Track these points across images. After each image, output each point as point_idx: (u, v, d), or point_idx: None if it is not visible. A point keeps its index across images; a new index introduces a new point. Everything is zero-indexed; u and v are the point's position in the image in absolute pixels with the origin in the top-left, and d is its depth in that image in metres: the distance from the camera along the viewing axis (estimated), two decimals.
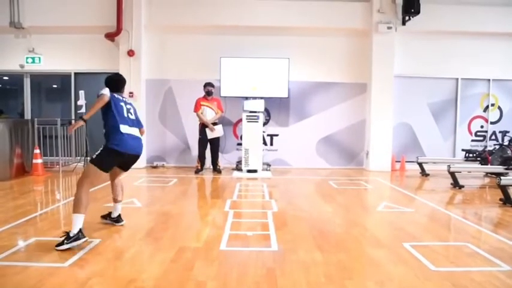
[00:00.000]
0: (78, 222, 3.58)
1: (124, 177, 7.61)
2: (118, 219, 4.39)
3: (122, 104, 4.10)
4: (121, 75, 4.47)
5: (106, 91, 3.95)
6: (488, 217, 5.09)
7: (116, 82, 4.29)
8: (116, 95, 4.08)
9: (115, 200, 4.41)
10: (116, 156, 3.90)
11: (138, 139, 4.15)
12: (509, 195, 5.56)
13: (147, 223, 4.49)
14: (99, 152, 3.88)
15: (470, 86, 9.36)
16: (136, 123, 4.24)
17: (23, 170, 7.73)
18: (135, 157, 4.13)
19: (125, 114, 4.06)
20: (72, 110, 9.25)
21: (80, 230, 3.57)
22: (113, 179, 4.38)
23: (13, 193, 6.13)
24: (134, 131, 4.11)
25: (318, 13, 8.70)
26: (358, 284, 2.91)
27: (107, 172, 3.95)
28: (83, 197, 3.69)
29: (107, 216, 4.46)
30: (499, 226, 4.61)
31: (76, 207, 3.65)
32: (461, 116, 9.41)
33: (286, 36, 8.98)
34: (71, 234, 3.52)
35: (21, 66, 9.16)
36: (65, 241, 3.48)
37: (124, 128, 3.95)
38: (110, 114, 3.93)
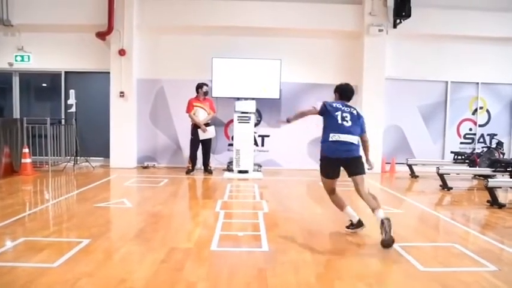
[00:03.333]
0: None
1: (115, 177, 7.62)
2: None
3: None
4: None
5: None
6: (476, 218, 5.16)
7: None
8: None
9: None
10: None
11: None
12: (496, 197, 5.65)
13: (138, 223, 4.47)
14: None
15: (459, 89, 9.48)
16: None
17: (12, 169, 7.63)
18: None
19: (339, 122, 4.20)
20: (62, 109, 9.15)
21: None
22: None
23: (1, 193, 6.05)
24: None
25: (310, 15, 8.74)
26: (347, 284, 2.93)
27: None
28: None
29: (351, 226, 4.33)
30: (487, 227, 4.68)
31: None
32: (451, 118, 9.52)
33: (278, 37, 9.01)
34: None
35: (10, 64, 9.04)
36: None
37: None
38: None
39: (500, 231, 4.47)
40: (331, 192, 4.45)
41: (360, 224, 4.28)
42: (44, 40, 9.02)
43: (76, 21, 8.69)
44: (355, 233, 4.25)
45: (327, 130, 4.30)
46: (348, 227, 4.33)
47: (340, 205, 4.45)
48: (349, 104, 4.44)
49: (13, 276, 2.90)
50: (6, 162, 7.49)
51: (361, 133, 4.42)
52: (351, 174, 4.27)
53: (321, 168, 4.37)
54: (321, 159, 4.38)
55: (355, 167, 4.26)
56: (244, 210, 5.30)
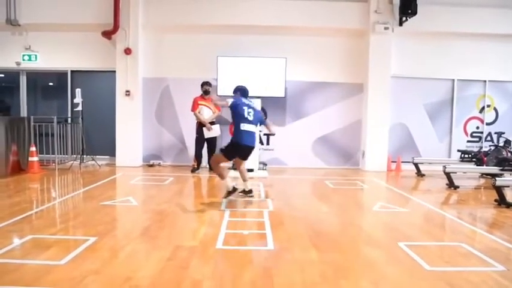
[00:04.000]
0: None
1: (120, 175, 7.66)
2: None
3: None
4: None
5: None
6: (483, 217, 5.12)
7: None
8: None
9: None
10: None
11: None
12: (504, 196, 5.60)
13: (143, 222, 4.49)
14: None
15: (466, 87, 9.41)
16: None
17: (19, 167, 7.70)
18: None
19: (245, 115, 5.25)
20: (68, 108, 9.21)
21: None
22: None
23: (9, 191, 6.10)
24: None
25: (316, 13, 8.71)
26: (353, 283, 2.93)
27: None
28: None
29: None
30: (494, 226, 4.64)
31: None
32: (457, 117, 9.45)
33: (284, 35, 8.99)
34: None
35: (18, 63, 9.12)
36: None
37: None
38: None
39: (508, 230, 4.44)
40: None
41: (234, 189, 5.44)
42: (51, 39, 9.08)
43: (82, 21, 8.74)
44: (344, 232, 4.28)
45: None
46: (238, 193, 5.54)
47: (223, 175, 5.53)
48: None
49: (21, 274, 2.92)
50: (14, 161, 7.57)
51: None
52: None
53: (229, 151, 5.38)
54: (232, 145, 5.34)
55: None
56: (249, 209, 5.30)
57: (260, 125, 5.70)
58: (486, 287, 2.88)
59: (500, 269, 3.19)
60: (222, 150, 5.46)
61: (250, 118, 5.28)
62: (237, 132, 5.28)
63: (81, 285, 2.75)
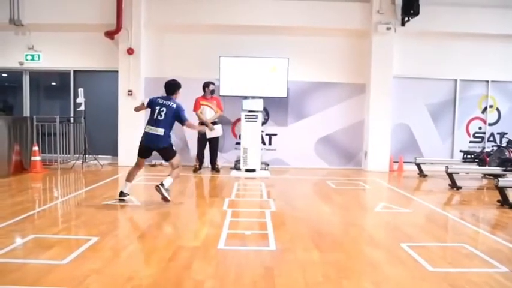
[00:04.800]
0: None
1: (123, 175, 7.65)
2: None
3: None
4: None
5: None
6: (485, 218, 5.11)
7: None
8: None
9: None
10: None
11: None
12: (507, 196, 5.58)
13: (145, 222, 4.49)
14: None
15: (468, 88, 9.39)
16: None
17: (21, 167, 7.72)
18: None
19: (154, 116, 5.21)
20: (71, 108, 9.23)
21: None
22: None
23: (11, 190, 6.12)
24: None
25: (318, 13, 8.70)
26: (355, 284, 2.92)
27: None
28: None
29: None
30: (497, 227, 4.63)
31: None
32: (460, 117, 9.43)
33: (286, 36, 8.99)
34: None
35: (21, 63, 9.14)
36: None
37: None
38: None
39: (510, 231, 4.42)
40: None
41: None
42: (54, 39, 9.11)
43: (85, 21, 8.76)
44: (346, 232, 4.29)
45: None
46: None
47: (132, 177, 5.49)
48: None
49: (23, 273, 2.93)
50: (16, 160, 7.58)
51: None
52: None
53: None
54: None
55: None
56: (251, 209, 5.30)
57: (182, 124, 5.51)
58: None
59: (503, 270, 3.18)
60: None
61: (161, 118, 5.18)
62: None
63: (82, 285, 2.75)
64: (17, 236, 3.85)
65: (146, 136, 5.29)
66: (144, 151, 5.44)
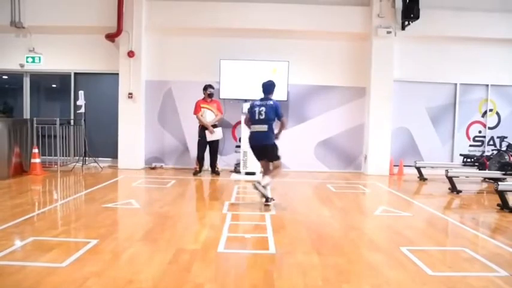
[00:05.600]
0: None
1: (122, 178, 7.67)
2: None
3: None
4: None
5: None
6: (485, 222, 5.10)
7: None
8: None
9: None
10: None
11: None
12: (506, 200, 5.58)
13: (145, 224, 4.48)
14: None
15: (468, 91, 9.40)
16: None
17: (21, 169, 7.72)
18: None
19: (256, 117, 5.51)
20: (71, 110, 9.24)
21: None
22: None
23: (11, 192, 6.12)
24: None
25: (318, 17, 8.73)
26: (355, 287, 2.92)
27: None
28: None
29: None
30: (497, 231, 4.63)
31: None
32: (460, 121, 9.43)
33: (286, 39, 9.01)
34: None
35: (21, 65, 9.15)
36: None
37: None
38: None
39: (510, 235, 4.41)
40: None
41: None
42: (55, 42, 9.12)
43: (86, 23, 8.79)
44: (346, 236, 4.22)
45: None
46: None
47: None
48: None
49: (22, 276, 2.92)
50: (16, 162, 7.58)
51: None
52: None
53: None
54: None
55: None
56: (251, 212, 5.30)
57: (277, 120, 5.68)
58: None
59: (503, 274, 3.17)
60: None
61: (262, 117, 5.50)
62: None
63: None
64: (17, 238, 3.84)
65: (252, 136, 5.58)
66: (255, 152, 5.68)
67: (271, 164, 5.63)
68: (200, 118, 8.07)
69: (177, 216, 4.91)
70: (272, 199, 5.51)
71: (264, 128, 5.47)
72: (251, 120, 5.59)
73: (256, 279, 2.99)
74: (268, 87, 5.75)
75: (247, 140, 5.70)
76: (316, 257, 3.51)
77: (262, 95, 5.71)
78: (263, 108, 5.50)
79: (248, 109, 5.76)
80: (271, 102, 5.57)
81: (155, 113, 9.14)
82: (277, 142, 5.65)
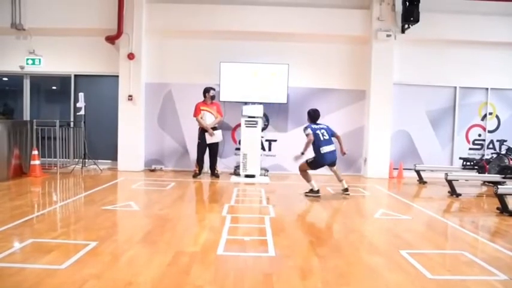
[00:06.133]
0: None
1: (122, 180, 7.67)
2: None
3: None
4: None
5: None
6: (485, 226, 5.10)
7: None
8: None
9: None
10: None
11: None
12: (506, 204, 5.58)
13: (145, 226, 4.48)
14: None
15: (468, 95, 9.41)
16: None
17: (21, 171, 7.72)
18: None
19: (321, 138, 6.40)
20: (71, 112, 9.24)
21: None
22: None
23: (10, 194, 6.11)
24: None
25: (318, 19, 8.75)
26: None
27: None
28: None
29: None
30: (496, 235, 4.62)
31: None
32: (459, 124, 9.44)
33: (286, 42, 9.03)
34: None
35: (21, 67, 9.16)
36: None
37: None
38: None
39: (510, 239, 4.41)
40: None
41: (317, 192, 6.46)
42: (55, 44, 9.13)
43: (86, 25, 8.80)
44: (345, 239, 4.21)
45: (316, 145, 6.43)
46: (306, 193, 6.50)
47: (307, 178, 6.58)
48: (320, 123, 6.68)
49: (21, 277, 2.92)
50: (16, 164, 7.58)
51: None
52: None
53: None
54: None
55: None
56: (250, 215, 5.30)
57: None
58: None
59: (503, 278, 3.17)
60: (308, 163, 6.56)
61: (327, 137, 6.42)
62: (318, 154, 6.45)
63: None
64: (16, 240, 3.84)
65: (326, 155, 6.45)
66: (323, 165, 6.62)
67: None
68: (200, 120, 8.07)
69: (177, 218, 4.90)
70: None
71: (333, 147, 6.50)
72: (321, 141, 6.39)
73: (255, 282, 2.99)
74: (318, 114, 6.78)
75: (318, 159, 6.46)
76: (316, 259, 3.51)
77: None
78: (323, 131, 6.45)
79: (310, 131, 6.42)
80: (326, 126, 6.60)
81: (155, 115, 9.15)
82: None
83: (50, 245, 3.66)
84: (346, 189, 6.50)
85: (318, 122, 6.65)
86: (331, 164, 6.59)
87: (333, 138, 6.55)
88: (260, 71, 8.66)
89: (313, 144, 6.36)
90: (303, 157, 6.58)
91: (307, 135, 6.43)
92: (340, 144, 6.61)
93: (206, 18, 8.71)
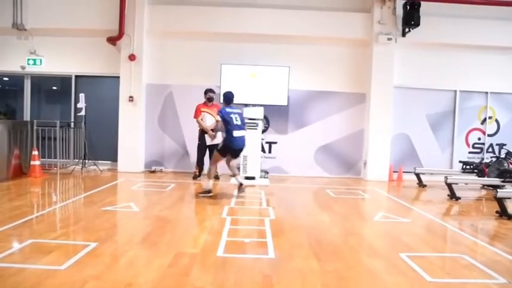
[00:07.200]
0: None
1: (122, 181, 7.67)
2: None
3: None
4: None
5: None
6: (484, 229, 5.10)
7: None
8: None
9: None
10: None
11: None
12: (505, 207, 5.58)
13: (145, 228, 4.48)
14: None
15: (468, 99, 9.43)
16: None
17: (21, 171, 7.72)
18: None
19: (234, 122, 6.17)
20: (71, 113, 9.25)
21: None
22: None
23: (10, 194, 6.12)
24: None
25: (319, 22, 8.78)
26: None
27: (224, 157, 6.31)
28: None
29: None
30: (495, 238, 4.63)
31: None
32: (459, 128, 9.46)
33: (287, 44, 9.05)
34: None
35: (22, 67, 9.18)
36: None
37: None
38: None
39: (509, 242, 4.42)
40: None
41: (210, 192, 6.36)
42: (56, 44, 9.16)
43: (88, 26, 8.83)
44: (345, 242, 4.22)
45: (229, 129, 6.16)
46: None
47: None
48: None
49: (21, 278, 2.92)
50: (16, 164, 7.59)
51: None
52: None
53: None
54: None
55: None
56: (250, 217, 5.30)
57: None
58: None
59: (502, 282, 3.18)
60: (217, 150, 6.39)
61: (239, 123, 6.21)
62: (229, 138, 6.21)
63: None
64: (15, 240, 3.84)
65: (238, 139, 6.24)
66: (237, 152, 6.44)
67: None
68: (200, 122, 8.07)
69: (177, 219, 4.91)
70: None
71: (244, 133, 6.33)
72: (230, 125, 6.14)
73: (255, 284, 2.99)
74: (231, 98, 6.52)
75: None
76: (316, 262, 3.51)
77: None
78: (237, 116, 6.24)
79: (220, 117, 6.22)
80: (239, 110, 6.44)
81: (155, 116, 9.16)
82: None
83: (50, 245, 3.66)
84: (241, 184, 6.43)
85: (232, 105, 6.48)
86: (237, 152, 6.39)
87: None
88: (261, 73, 8.67)
89: (226, 128, 6.21)
90: (216, 138, 6.91)
91: (217, 121, 6.52)
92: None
93: (207, 20, 8.73)
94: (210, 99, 8.19)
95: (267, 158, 9.17)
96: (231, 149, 6.23)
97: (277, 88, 8.66)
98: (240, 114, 6.36)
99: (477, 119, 9.52)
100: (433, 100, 9.37)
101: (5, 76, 9.67)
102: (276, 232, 4.41)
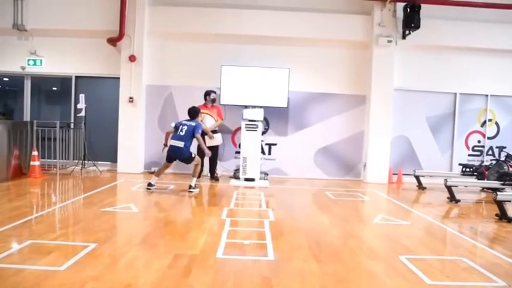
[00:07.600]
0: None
1: (122, 182, 7.67)
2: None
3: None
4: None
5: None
6: (484, 232, 5.10)
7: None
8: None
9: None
10: None
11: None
12: (505, 210, 5.58)
13: (144, 229, 4.48)
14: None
15: (468, 101, 9.44)
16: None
17: (20, 171, 7.71)
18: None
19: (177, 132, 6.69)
20: (71, 113, 9.25)
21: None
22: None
23: (9, 195, 6.11)
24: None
25: (319, 24, 8.79)
26: None
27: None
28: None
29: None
30: (495, 241, 4.62)
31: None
32: (459, 130, 9.46)
33: (287, 46, 9.06)
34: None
35: (23, 68, 9.18)
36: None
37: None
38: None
39: (509, 245, 4.41)
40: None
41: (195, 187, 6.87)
42: (56, 45, 9.16)
43: (88, 27, 8.84)
44: (344, 244, 4.21)
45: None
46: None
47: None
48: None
49: (20, 278, 2.92)
50: (15, 164, 7.58)
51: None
52: None
53: None
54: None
55: None
56: (250, 219, 5.29)
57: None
58: None
59: (501, 285, 3.17)
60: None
61: (182, 134, 6.66)
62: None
63: None
64: (15, 241, 3.84)
65: (170, 147, 6.87)
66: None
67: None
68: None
69: (176, 221, 4.90)
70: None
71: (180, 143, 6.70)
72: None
73: (254, 286, 2.99)
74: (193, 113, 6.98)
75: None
76: (315, 264, 3.51)
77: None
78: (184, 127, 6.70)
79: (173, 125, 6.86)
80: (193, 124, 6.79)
81: (155, 117, 9.16)
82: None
83: (49, 246, 3.65)
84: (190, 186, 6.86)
85: (191, 119, 6.92)
86: (171, 159, 6.89)
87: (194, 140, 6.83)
88: (261, 74, 8.67)
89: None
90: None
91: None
92: (199, 143, 6.88)
93: (208, 21, 8.75)
94: (213, 101, 8.21)
95: (266, 159, 9.17)
96: (168, 154, 6.86)
97: (277, 90, 8.66)
98: (190, 127, 6.70)
99: (477, 121, 9.53)
100: (433, 102, 9.38)
101: (5, 76, 9.67)
102: (276, 234, 4.40)
